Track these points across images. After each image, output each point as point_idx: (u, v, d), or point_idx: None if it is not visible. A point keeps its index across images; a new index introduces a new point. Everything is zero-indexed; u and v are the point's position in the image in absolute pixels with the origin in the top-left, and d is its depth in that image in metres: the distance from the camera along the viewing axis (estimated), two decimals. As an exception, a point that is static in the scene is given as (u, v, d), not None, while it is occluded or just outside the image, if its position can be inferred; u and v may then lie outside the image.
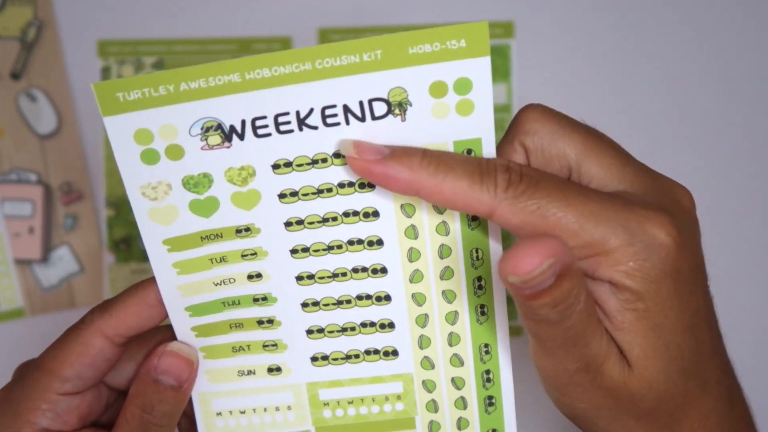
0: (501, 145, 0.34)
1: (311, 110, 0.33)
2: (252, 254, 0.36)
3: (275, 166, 0.34)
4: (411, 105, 0.33)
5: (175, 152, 0.33)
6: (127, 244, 0.62)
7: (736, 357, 0.56)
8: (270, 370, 0.38)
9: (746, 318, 0.57)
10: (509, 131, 0.35)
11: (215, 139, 0.33)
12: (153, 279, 0.36)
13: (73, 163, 0.60)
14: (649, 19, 0.56)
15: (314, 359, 0.38)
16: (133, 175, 0.34)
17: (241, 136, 0.33)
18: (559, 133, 0.33)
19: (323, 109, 0.33)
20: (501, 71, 0.55)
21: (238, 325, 0.37)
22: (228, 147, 0.33)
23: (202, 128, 0.33)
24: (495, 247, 0.36)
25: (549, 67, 0.56)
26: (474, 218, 0.35)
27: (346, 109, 0.33)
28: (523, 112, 0.34)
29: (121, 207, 0.62)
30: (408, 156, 0.31)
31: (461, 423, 0.39)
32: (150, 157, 0.33)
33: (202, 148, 0.33)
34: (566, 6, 0.56)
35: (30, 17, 0.58)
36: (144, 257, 0.62)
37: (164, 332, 0.38)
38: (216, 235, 0.35)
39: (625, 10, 0.56)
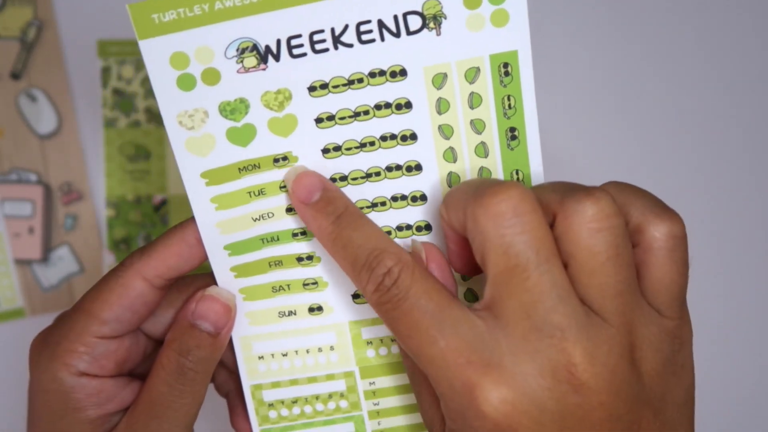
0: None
1: (346, 27, 0.32)
2: None
3: (311, 89, 0.34)
4: (446, 18, 0.33)
5: (212, 76, 0.33)
6: (127, 244, 0.61)
7: (737, 356, 0.56)
8: (311, 309, 0.38)
9: (747, 318, 0.57)
10: None
11: (251, 60, 0.33)
12: (191, 219, 0.36)
13: (73, 163, 0.60)
14: (649, 19, 0.56)
15: (356, 296, 0.37)
16: (170, 103, 0.33)
17: (277, 57, 0.33)
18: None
19: (358, 25, 0.32)
20: None
21: (277, 263, 0.37)
22: (264, 69, 0.33)
23: (237, 49, 0.32)
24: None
25: (549, 67, 0.56)
26: (513, 137, 0.35)
27: (381, 24, 0.32)
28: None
29: (121, 207, 0.61)
30: (323, 215, 0.33)
31: None
32: (187, 83, 0.33)
33: (238, 71, 0.33)
34: (566, 6, 0.56)
35: (30, 17, 0.57)
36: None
37: (205, 279, 0.38)
38: (254, 166, 0.35)
39: (626, 10, 0.56)
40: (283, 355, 0.38)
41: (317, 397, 0.39)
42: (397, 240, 0.36)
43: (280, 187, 0.35)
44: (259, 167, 0.35)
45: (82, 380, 0.35)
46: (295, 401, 0.39)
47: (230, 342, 0.38)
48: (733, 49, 0.57)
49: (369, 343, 0.38)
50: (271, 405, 0.39)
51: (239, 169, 0.35)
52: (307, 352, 0.38)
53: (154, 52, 0.32)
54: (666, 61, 0.57)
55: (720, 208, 0.57)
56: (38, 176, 0.59)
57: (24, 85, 0.57)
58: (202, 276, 0.38)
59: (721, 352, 0.57)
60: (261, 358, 0.38)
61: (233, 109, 0.34)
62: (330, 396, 0.39)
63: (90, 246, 0.61)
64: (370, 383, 0.39)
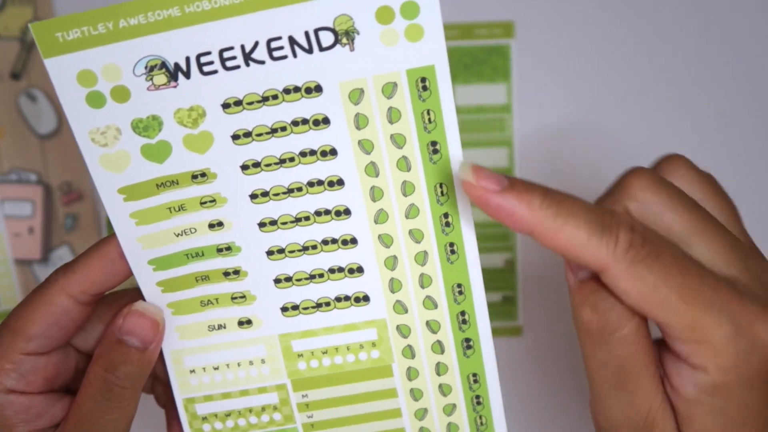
0: (603, 204, 0.33)
1: (256, 43, 0.32)
2: (211, 201, 0.35)
3: (225, 105, 0.33)
4: (358, 33, 0.32)
5: (122, 94, 0.33)
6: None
7: None
8: (240, 323, 0.37)
9: None
10: (614, 192, 0.33)
11: (161, 78, 0.33)
12: (114, 234, 0.36)
13: (73, 163, 0.60)
14: (649, 18, 0.55)
15: (284, 309, 0.37)
16: (81, 120, 0.33)
17: (187, 75, 0.32)
18: (669, 206, 0.32)
19: (269, 42, 0.32)
20: (501, 71, 0.55)
21: (204, 277, 0.37)
22: (175, 86, 0.33)
23: (146, 67, 0.32)
24: (457, 182, 0.35)
25: (549, 67, 0.55)
26: (435, 151, 0.34)
27: (292, 41, 0.32)
28: (633, 176, 0.33)
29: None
30: (529, 193, 0.30)
31: (440, 368, 0.38)
32: (96, 100, 0.33)
33: (148, 89, 0.33)
34: (566, 6, 0.55)
35: (30, 17, 0.57)
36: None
37: (135, 294, 0.38)
38: (172, 182, 0.35)
39: (626, 9, 0.55)
40: (215, 369, 0.38)
41: (250, 410, 0.39)
42: (323, 257, 0.36)
43: (201, 203, 0.35)
44: (177, 183, 0.35)
45: (10, 397, 0.35)
46: (228, 414, 0.39)
47: (162, 356, 0.39)
48: (736, 48, 0.56)
49: (300, 355, 0.38)
50: (204, 418, 0.39)
51: (157, 185, 0.35)
52: (239, 365, 0.38)
53: (61, 70, 0.32)
54: (667, 60, 0.56)
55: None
56: (38, 176, 0.59)
57: (24, 85, 0.57)
58: (132, 291, 0.38)
59: None
60: (192, 371, 0.38)
61: (146, 126, 0.33)
62: (263, 409, 0.39)
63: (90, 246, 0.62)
64: (303, 396, 0.39)
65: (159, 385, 0.42)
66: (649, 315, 0.30)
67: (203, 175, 0.35)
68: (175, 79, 0.33)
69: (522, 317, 0.55)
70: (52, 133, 0.58)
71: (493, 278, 0.54)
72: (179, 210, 0.35)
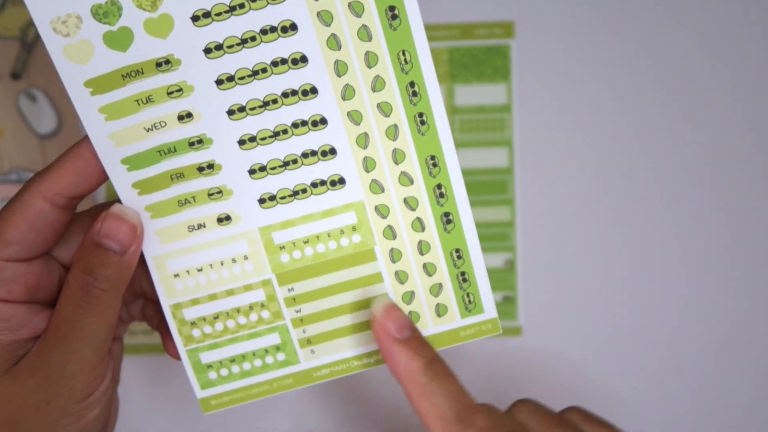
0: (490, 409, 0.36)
1: None
2: (177, 90, 0.35)
3: None
4: None
5: None
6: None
7: (737, 357, 0.56)
8: (219, 219, 0.37)
9: (748, 319, 0.57)
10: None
11: None
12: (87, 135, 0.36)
13: None
14: (649, 19, 0.56)
15: (262, 201, 0.37)
16: (41, 9, 0.33)
17: None
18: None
19: None
20: (501, 71, 0.55)
21: (179, 175, 0.37)
22: None
23: None
24: (423, 49, 0.36)
25: (549, 67, 0.56)
26: (393, 17, 0.35)
27: None
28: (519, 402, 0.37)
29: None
30: (417, 355, 0.35)
31: (422, 247, 0.38)
32: None
33: None
34: (566, 6, 0.56)
35: (30, 17, 0.58)
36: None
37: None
38: (137, 72, 0.35)
39: (626, 9, 0.56)
40: (198, 270, 0.38)
41: (238, 310, 0.39)
42: (294, 141, 0.36)
43: (168, 93, 0.35)
44: (142, 73, 0.35)
45: None
46: (216, 317, 0.39)
47: (148, 270, 0.38)
48: (735, 49, 0.57)
49: (282, 247, 0.38)
50: (193, 323, 0.39)
51: (122, 75, 0.35)
52: (222, 264, 0.38)
53: None
54: (667, 61, 0.57)
55: (720, 208, 0.57)
56: None
57: (24, 85, 0.57)
58: (113, 203, 0.38)
59: (722, 352, 0.57)
60: (176, 275, 0.38)
61: (106, 12, 0.34)
62: (251, 307, 0.39)
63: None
64: (289, 290, 0.39)
65: (149, 306, 0.42)
66: None
67: (167, 62, 0.35)
68: None
69: (522, 317, 0.56)
70: (52, 133, 0.58)
71: (493, 278, 0.54)
72: (147, 102, 0.35)
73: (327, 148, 0.37)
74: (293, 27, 0.35)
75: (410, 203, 0.37)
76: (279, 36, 0.35)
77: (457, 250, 0.38)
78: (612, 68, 0.57)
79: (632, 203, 0.56)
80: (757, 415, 0.56)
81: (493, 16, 0.56)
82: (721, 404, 0.57)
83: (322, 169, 0.37)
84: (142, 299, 0.42)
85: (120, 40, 0.34)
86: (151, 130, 0.36)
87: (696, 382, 0.56)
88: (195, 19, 0.34)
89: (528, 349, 0.56)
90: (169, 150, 0.36)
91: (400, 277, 0.38)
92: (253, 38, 0.35)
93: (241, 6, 0.34)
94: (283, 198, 0.37)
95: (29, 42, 0.57)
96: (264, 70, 0.35)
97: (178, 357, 0.39)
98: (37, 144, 0.58)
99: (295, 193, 0.37)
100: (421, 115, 0.36)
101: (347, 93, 0.36)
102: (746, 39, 0.56)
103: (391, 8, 0.35)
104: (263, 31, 0.35)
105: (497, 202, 0.55)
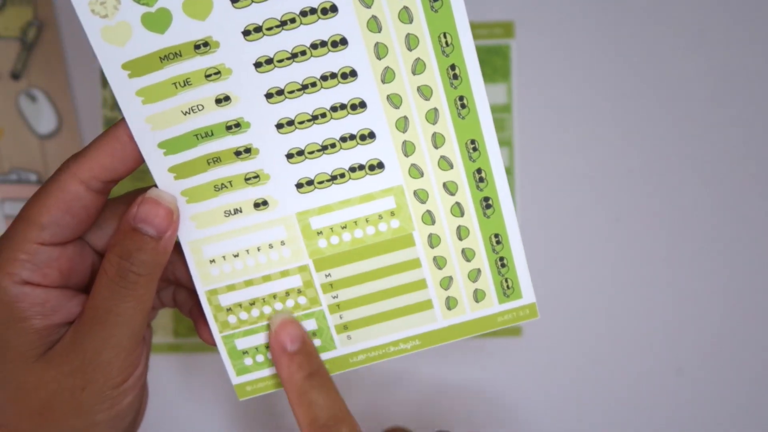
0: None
1: None
2: (216, 73, 0.35)
3: None
4: None
5: None
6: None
7: (737, 357, 0.55)
8: (256, 204, 0.37)
9: (747, 319, 0.57)
10: None
11: None
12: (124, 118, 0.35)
13: None
14: (649, 19, 0.56)
15: (299, 186, 0.37)
16: None
17: None
18: None
19: None
20: (501, 71, 0.55)
21: (215, 159, 0.36)
22: None
23: None
24: (464, 32, 0.35)
25: (549, 67, 0.56)
26: (432, 7, 0.34)
27: None
28: None
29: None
30: (297, 366, 0.38)
31: (461, 232, 0.37)
32: None
33: None
34: (566, 6, 0.56)
35: (30, 17, 0.57)
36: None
37: None
38: (175, 54, 0.34)
39: (626, 9, 0.56)
40: (235, 256, 0.38)
41: (275, 296, 0.38)
42: (333, 125, 0.36)
43: (206, 76, 0.35)
44: (180, 55, 0.34)
45: (25, 289, 0.34)
46: (252, 303, 0.38)
47: (183, 254, 0.38)
48: (735, 49, 0.56)
49: (319, 233, 0.38)
50: (229, 309, 0.38)
51: (160, 58, 0.34)
52: (258, 249, 0.38)
53: None
54: (666, 60, 0.56)
55: (719, 208, 0.57)
56: (38, 176, 0.59)
57: (24, 85, 0.57)
58: (150, 187, 0.37)
59: (722, 352, 0.57)
60: (212, 261, 0.38)
61: None
62: (287, 293, 0.38)
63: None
64: (326, 275, 0.38)
65: (180, 292, 0.42)
66: None
67: (206, 44, 0.34)
68: None
69: (522, 317, 0.56)
70: (52, 133, 0.57)
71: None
72: (185, 85, 0.35)
73: (366, 132, 0.36)
74: (333, 8, 0.34)
75: (449, 188, 0.37)
76: (319, 18, 0.34)
77: (497, 235, 0.38)
78: (612, 68, 0.56)
79: (632, 203, 0.56)
80: (757, 415, 0.56)
81: (493, 16, 0.56)
82: (720, 404, 0.57)
83: (361, 153, 0.36)
84: (173, 286, 0.42)
85: (158, 21, 0.34)
86: (189, 113, 0.35)
87: (696, 382, 0.56)
88: (234, 0, 0.34)
89: (528, 349, 0.56)
90: (206, 134, 0.36)
91: (438, 262, 0.38)
92: (293, 20, 0.34)
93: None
94: (320, 183, 0.37)
95: (29, 42, 0.56)
96: (303, 53, 0.35)
97: (213, 343, 0.39)
98: (37, 144, 0.58)
99: (333, 178, 0.37)
100: (461, 98, 0.36)
101: (387, 76, 0.35)
102: (746, 40, 0.56)
103: None
104: (303, 13, 0.34)
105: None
